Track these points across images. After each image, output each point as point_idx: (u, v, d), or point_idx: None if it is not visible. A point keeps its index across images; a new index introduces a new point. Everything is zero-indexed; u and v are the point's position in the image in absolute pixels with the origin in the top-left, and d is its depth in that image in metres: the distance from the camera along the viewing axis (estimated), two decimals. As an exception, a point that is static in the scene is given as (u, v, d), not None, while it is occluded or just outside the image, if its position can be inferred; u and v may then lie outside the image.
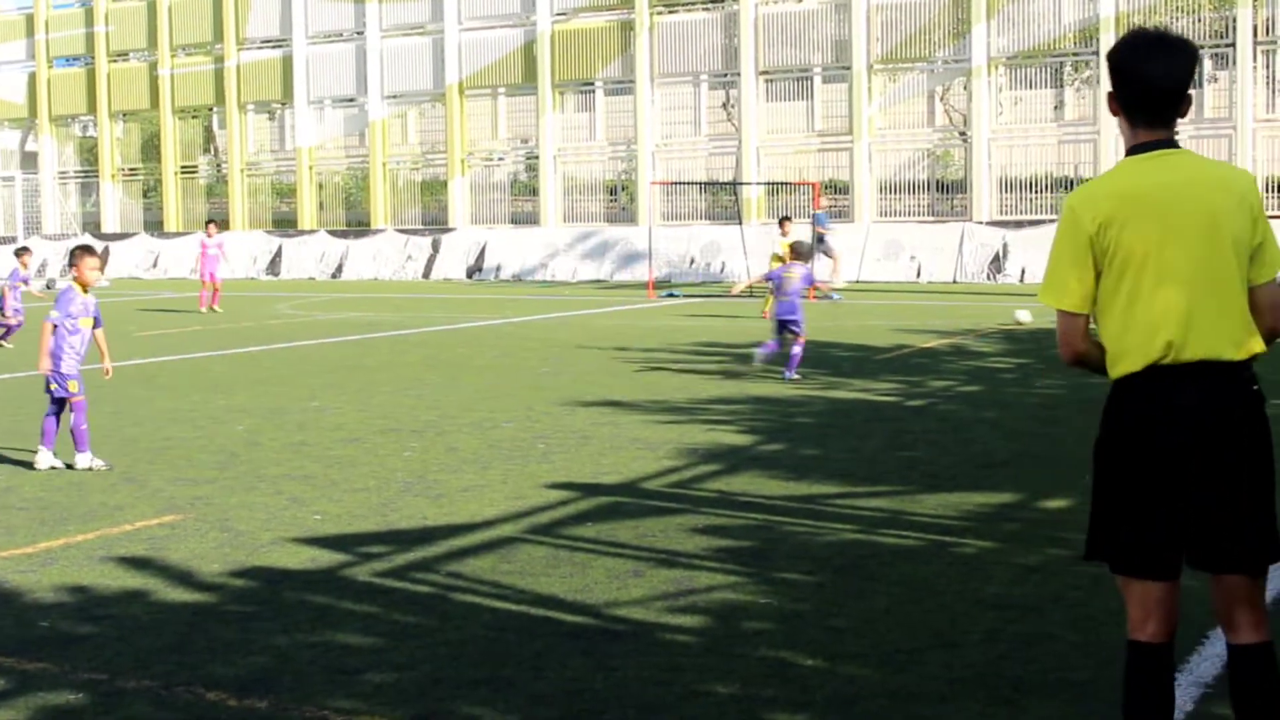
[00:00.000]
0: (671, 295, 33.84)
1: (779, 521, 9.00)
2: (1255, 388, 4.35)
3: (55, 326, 11.72)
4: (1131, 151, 4.45)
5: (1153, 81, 4.38)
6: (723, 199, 43.22)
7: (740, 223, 38.17)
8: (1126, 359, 4.33)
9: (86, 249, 12.02)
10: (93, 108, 53.43)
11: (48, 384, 11.70)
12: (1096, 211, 4.36)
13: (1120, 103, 4.45)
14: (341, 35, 48.55)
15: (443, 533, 8.80)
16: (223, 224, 49.50)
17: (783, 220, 29.28)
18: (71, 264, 11.90)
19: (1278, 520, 4.41)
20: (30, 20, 54.47)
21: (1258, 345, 4.35)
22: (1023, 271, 36.51)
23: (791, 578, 7.66)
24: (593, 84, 45.98)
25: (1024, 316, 22.60)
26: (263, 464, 11.35)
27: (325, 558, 8.23)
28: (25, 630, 6.96)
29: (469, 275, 44.28)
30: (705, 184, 43.20)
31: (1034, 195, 39.92)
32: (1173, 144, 4.44)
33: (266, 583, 7.76)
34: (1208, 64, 38.73)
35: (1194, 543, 4.37)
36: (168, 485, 10.54)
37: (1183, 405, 4.27)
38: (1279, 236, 4.64)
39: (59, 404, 11.66)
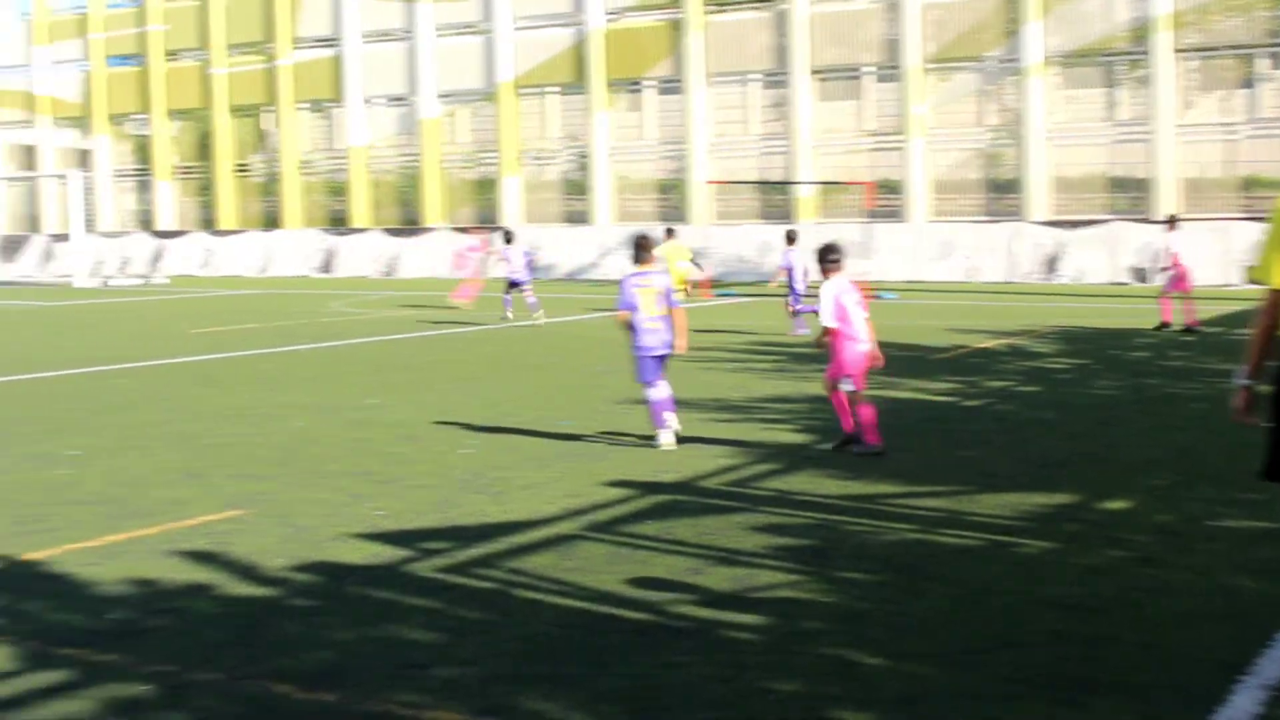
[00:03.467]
0: (725, 294, 33.84)
1: (838, 520, 9.00)
2: None
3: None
4: None
5: None
6: (775, 198, 43.17)
7: (793, 222, 38.12)
8: None
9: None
10: (147, 106, 53.84)
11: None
12: None
13: None
14: (393, 34, 48.74)
15: (503, 529, 8.84)
16: (274, 221, 49.92)
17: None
18: (647, 253, 12.02)
19: None
20: (85, 20, 54.92)
21: None
22: (1080, 272, 36.30)
23: (852, 576, 7.66)
24: (644, 83, 46.02)
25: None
26: (322, 460, 11.43)
27: (387, 553, 8.28)
28: (94, 622, 7.03)
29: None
30: (757, 183, 43.17)
31: (1089, 195, 39.71)
32: None
33: (329, 578, 7.82)
34: (1265, 63, 38.42)
35: None
36: (229, 481, 10.63)
37: None
38: None
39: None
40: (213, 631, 6.83)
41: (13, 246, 55.58)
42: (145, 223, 54.37)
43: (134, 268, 51.04)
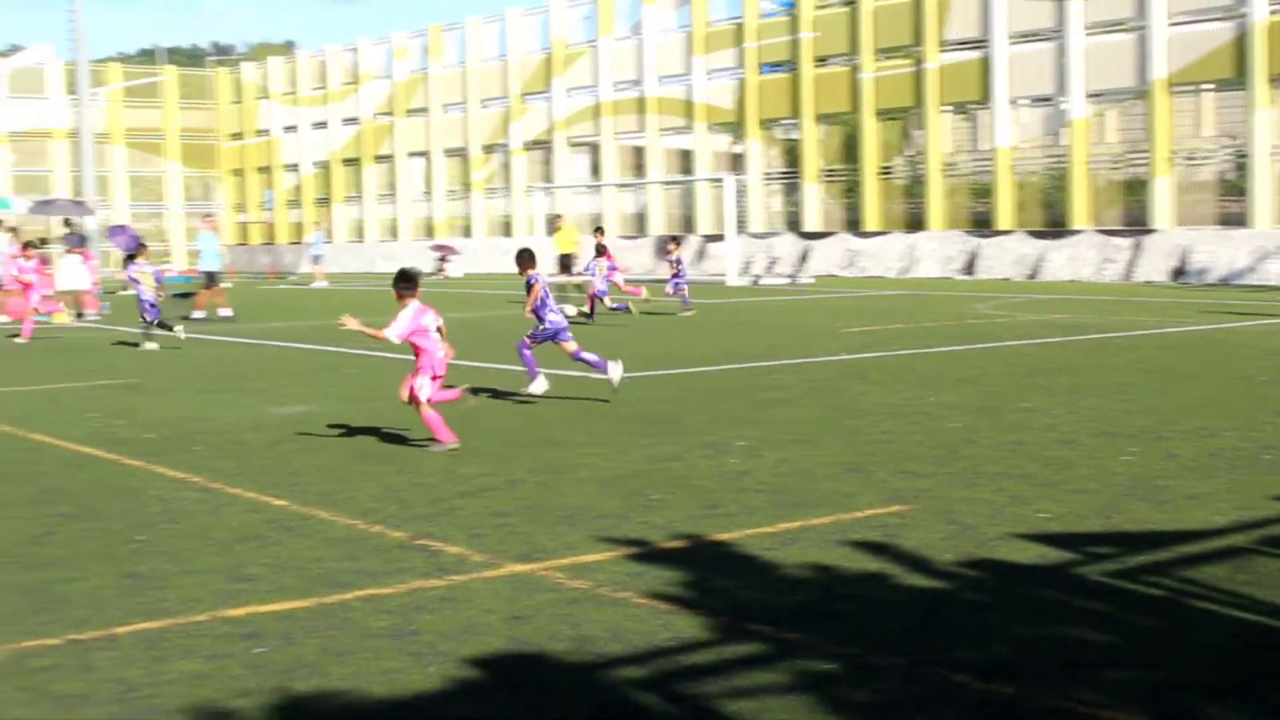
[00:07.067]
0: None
1: None
2: None
3: None
4: None
5: None
6: None
7: None
8: None
9: None
10: (796, 111, 55.57)
11: None
12: None
13: None
14: (1041, 34, 48.20)
15: (1170, 538, 8.72)
16: (917, 223, 50.43)
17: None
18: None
19: None
20: (740, 29, 57.27)
21: None
22: None
23: None
24: (1310, 77, 43.47)
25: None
26: (981, 461, 11.59)
27: (1053, 555, 8.35)
28: (779, 602, 7.50)
29: (1173, 278, 42.93)
30: None
31: None
32: None
33: (997, 575, 7.97)
34: None
35: None
36: (891, 477, 10.97)
37: None
38: None
39: None
40: (889, 619, 7.14)
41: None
42: (792, 224, 56.16)
43: (781, 267, 52.88)
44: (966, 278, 47.44)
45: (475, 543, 8.98)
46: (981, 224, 50.03)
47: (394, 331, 12.85)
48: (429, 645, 6.82)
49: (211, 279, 34.19)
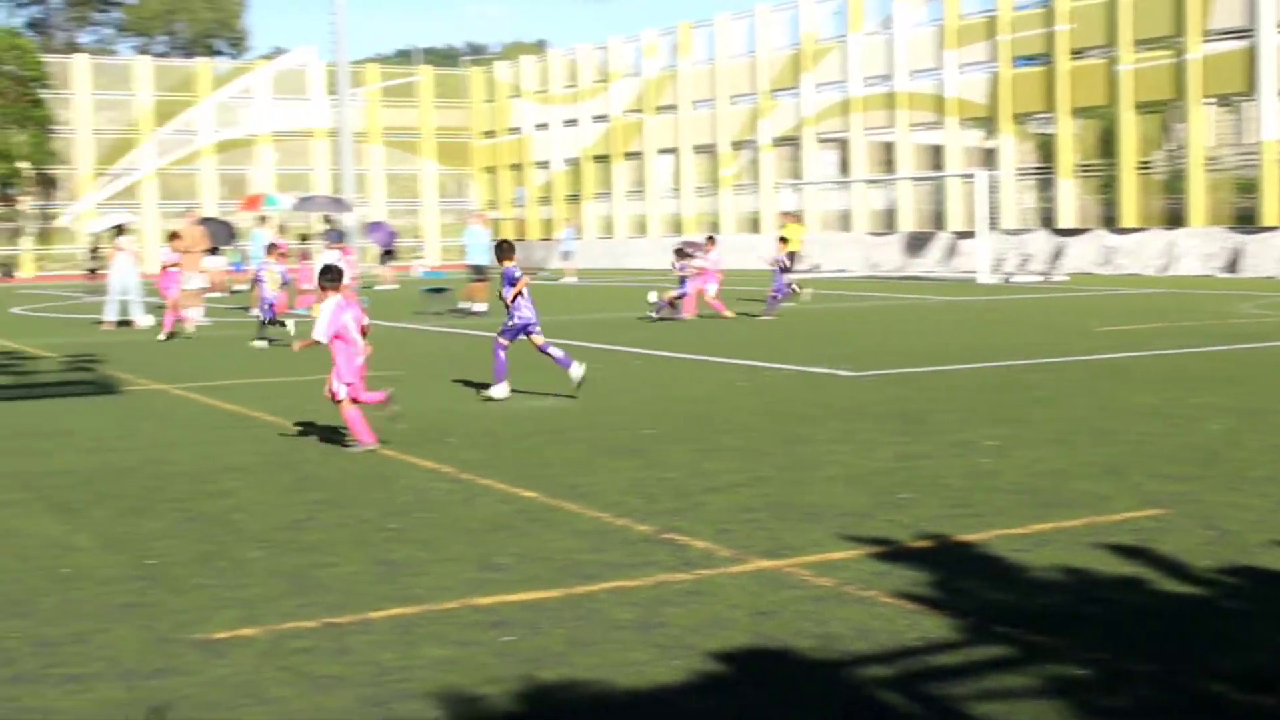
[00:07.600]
0: None
1: None
2: None
3: None
4: None
5: None
6: None
7: None
8: None
9: None
10: (1050, 105, 54.43)
11: None
12: None
13: None
14: (1313, 22, 46.37)
15: None
16: (1177, 219, 48.93)
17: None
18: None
19: None
20: (992, 22, 56.32)
21: None
22: None
23: None
24: None
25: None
26: (1245, 465, 11.18)
27: (1321, 564, 8.03)
28: (1028, 604, 7.34)
29: None
30: None
31: None
32: None
33: (1260, 583, 7.69)
34: None
35: None
36: (1148, 479, 10.65)
37: None
38: None
39: None
40: (1144, 624, 6.93)
41: (919, 243, 58.13)
42: (1045, 220, 55.02)
43: (1033, 265, 51.87)
44: (1229, 276, 45.92)
45: (721, 538, 8.99)
46: (1246, 220, 48.32)
47: (318, 333, 13.11)
48: (674, 638, 6.84)
49: (480, 272, 34.92)
